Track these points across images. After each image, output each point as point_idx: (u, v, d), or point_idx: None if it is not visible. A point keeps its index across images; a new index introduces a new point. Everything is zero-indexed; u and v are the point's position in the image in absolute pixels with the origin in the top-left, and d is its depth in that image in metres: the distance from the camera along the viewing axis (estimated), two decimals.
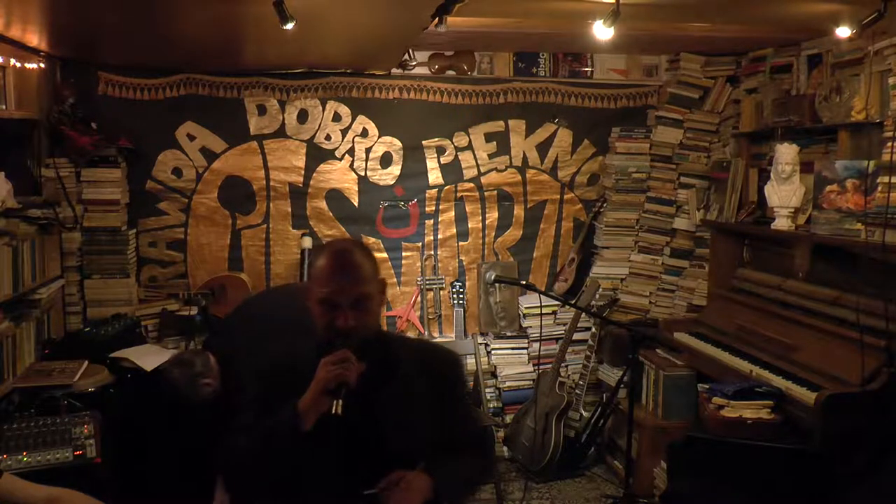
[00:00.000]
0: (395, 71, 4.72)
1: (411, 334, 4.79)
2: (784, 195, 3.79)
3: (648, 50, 4.82)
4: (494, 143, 4.89)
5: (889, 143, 3.18)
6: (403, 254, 4.88)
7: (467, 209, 4.93)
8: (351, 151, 4.76)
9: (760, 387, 3.31)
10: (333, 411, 1.71)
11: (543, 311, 4.57)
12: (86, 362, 3.57)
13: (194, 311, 4.18)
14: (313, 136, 4.73)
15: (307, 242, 4.68)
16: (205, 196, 4.66)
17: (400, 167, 4.81)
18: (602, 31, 2.97)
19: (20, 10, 3.14)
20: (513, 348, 4.85)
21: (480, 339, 4.88)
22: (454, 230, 4.93)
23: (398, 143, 4.79)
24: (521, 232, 5.00)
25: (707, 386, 3.57)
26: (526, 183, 4.96)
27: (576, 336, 4.67)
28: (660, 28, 4.00)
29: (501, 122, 4.88)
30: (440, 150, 4.84)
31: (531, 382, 4.72)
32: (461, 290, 4.81)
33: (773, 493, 2.96)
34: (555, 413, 4.41)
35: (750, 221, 4.15)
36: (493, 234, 4.98)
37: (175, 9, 3.07)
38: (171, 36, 3.69)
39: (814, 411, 3.01)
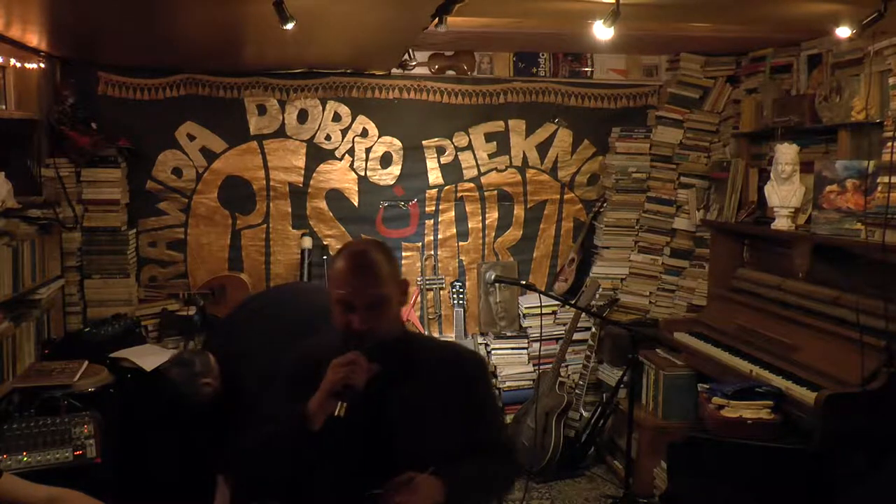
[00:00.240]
0: (395, 71, 4.72)
1: None
2: (784, 195, 3.79)
3: (648, 50, 4.82)
4: (494, 143, 4.89)
5: (889, 143, 3.18)
6: (403, 254, 4.88)
7: (467, 209, 4.93)
8: (351, 151, 4.76)
9: (760, 387, 3.31)
10: (336, 413, 1.71)
11: (543, 311, 4.57)
12: (86, 362, 3.56)
13: (193, 311, 4.18)
14: (313, 136, 4.73)
15: (307, 242, 4.68)
16: (205, 196, 4.66)
17: (400, 167, 4.81)
18: (602, 31, 2.97)
19: (20, 10, 3.14)
20: (513, 348, 4.85)
21: (480, 339, 4.89)
22: (454, 230, 4.93)
23: (398, 143, 4.79)
24: (521, 232, 5.00)
25: (707, 386, 3.56)
26: (526, 183, 4.96)
27: (576, 336, 4.67)
28: (660, 28, 4.00)
29: (501, 122, 4.88)
30: (440, 150, 4.85)
31: (531, 382, 4.72)
32: (461, 290, 4.81)
33: (773, 493, 2.96)
34: (555, 413, 4.41)
35: (750, 221, 4.15)
36: (493, 234, 4.98)
37: (175, 9, 3.07)
38: (171, 36, 3.69)
39: (814, 411, 3.01)
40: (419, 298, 4.86)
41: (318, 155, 4.74)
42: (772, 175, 3.87)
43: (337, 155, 4.76)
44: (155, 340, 4.29)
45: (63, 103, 4.15)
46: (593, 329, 4.65)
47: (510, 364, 4.82)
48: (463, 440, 1.85)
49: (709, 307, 4.40)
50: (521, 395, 4.74)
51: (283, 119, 4.68)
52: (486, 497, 2.02)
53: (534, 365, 4.78)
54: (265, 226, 4.74)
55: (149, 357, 3.75)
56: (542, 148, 4.95)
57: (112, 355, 3.77)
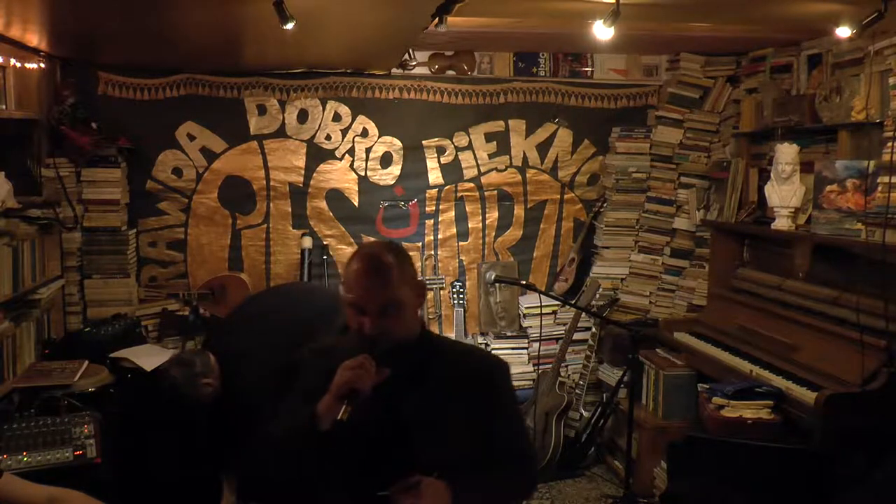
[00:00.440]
0: (395, 71, 4.72)
1: None
2: (784, 195, 3.79)
3: (648, 50, 4.82)
4: (494, 142, 4.89)
5: (889, 143, 3.18)
6: None
7: (467, 209, 4.93)
8: (351, 151, 4.76)
9: (760, 387, 3.31)
10: (339, 416, 1.70)
11: (543, 311, 4.56)
12: (86, 362, 3.56)
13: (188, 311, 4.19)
14: (313, 136, 4.73)
15: (307, 242, 4.68)
16: (205, 196, 4.65)
17: (400, 167, 4.81)
18: (602, 31, 2.97)
19: (20, 10, 3.14)
20: (513, 348, 4.85)
21: (480, 339, 4.88)
22: (454, 230, 4.93)
23: (398, 143, 4.79)
24: (521, 232, 5.00)
25: (707, 386, 3.57)
26: (526, 183, 4.96)
27: (576, 336, 4.67)
28: (660, 28, 4.00)
29: (501, 122, 4.88)
30: (440, 150, 4.84)
31: (531, 382, 4.71)
32: (461, 290, 4.81)
33: (773, 493, 2.96)
34: (555, 413, 4.41)
35: (750, 221, 4.15)
36: (494, 234, 4.98)
37: (175, 9, 3.07)
38: (171, 36, 3.69)
39: (814, 411, 3.01)
40: None
41: (318, 155, 4.74)
42: (772, 175, 3.87)
43: (337, 155, 4.76)
44: (155, 340, 4.29)
45: (63, 103, 4.15)
46: (593, 329, 4.65)
47: (510, 364, 4.81)
48: (480, 447, 1.83)
49: (709, 307, 4.40)
50: (521, 395, 4.72)
51: (284, 119, 4.68)
52: None
53: (534, 365, 4.78)
54: (265, 226, 4.74)
55: (149, 357, 3.75)
56: (543, 148, 4.94)
57: (112, 355, 3.77)
